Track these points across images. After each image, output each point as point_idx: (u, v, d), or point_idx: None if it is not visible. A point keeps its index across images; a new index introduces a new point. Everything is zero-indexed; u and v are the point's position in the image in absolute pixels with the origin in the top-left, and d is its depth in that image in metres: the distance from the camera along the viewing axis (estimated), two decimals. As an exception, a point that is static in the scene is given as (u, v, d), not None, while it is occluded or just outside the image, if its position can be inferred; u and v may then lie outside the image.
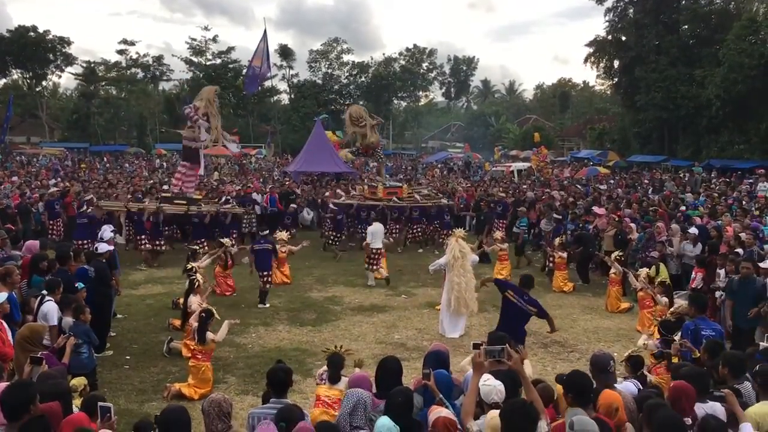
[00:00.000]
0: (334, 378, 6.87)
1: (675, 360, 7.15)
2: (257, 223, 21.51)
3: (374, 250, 15.56)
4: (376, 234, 15.67)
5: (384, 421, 4.43)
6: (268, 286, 13.69)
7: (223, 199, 19.84)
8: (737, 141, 36.63)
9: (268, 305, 13.47)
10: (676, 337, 7.56)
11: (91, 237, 14.49)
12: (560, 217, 18.38)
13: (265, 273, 13.69)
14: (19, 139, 60.49)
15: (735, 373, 5.68)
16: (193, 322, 9.07)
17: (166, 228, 18.38)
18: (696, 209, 18.71)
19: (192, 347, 8.94)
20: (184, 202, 17.83)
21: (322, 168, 29.63)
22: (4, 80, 68.49)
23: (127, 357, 10.20)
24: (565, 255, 15.62)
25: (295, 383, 6.61)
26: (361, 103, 74.66)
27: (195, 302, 10.05)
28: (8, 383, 4.91)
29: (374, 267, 15.58)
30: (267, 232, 15.47)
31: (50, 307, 7.94)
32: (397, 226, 20.10)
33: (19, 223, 16.46)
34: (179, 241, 19.29)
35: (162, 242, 17.59)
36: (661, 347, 7.80)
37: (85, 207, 16.54)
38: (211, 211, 17.98)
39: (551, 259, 16.35)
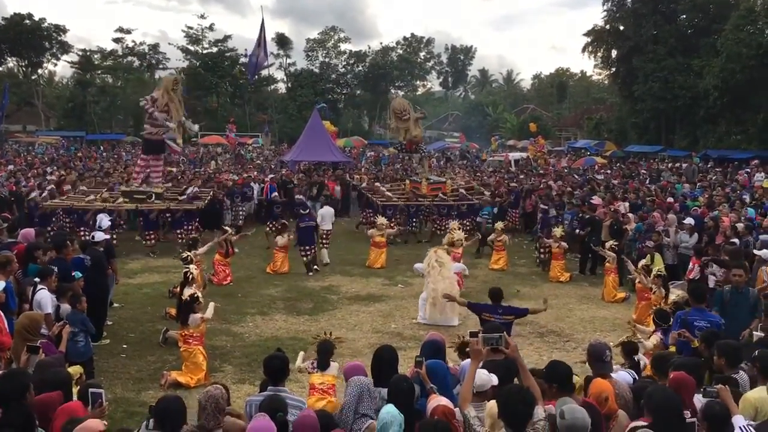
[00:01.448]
0: (323, 364, 6.94)
1: (672, 349, 7.15)
2: (255, 213, 21.55)
3: (325, 232, 16.85)
4: (326, 216, 17.06)
5: (389, 409, 4.45)
6: (309, 256, 15.60)
7: (190, 190, 18.81)
8: (734, 131, 36.69)
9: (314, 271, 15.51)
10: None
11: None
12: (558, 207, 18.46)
13: (308, 247, 15.54)
14: (14, 127, 60.26)
15: (731, 362, 5.70)
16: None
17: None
18: (695, 200, 18.69)
19: (183, 332, 8.93)
20: (143, 195, 17.32)
21: (318, 157, 29.57)
22: (-1, 68, 68.31)
23: (124, 345, 10.22)
24: (564, 245, 15.62)
25: (292, 372, 6.64)
26: (358, 92, 74.74)
27: (188, 293, 10.00)
28: (2, 372, 4.91)
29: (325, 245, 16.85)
30: (307, 210, 16.58)
31: (43, 295, 7.91)
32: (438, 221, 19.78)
33: (15, 211, 16.42)
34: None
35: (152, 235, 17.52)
36: (662, 338, 7.81)
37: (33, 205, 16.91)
38: (159, 207, 17.40)
39: (543, 250, 16.38)
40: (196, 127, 18.54)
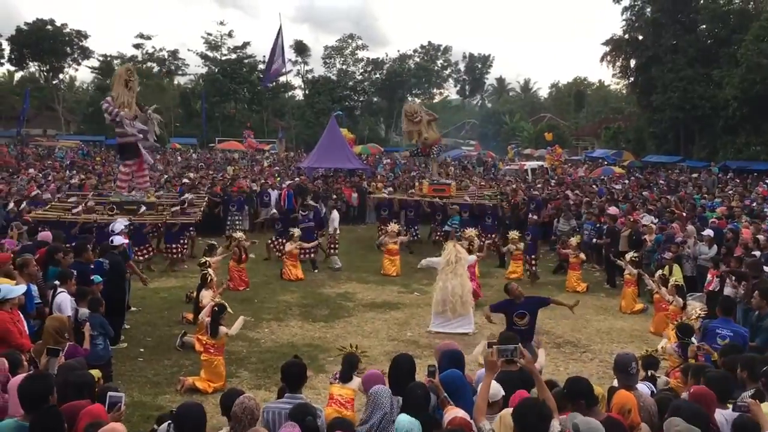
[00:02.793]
0: (345, 377, 6.86)
1: (692, 362, 7.09)
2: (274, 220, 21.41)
3: (331, 236, 17.19)
4: (334, 220, 17.32)
5: (402, 419, 4.42)
6: (312, 255, 16.46)
7: (184, 198, 17.36)
8: (754, 142, 36.27)
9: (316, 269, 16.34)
10: (694, 340, 7.51)
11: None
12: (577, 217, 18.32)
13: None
14: (35, 131, 60.87)
15: (754, 376, 5.64)
16: (206, 317, 9.11)
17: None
18: (713, 211, 18.53)
19: (204, 341, 8.98)
20: (134, 206, 15.47)
21: (335, 164, 29.61)
22: (21, 73, 69.19)
23: (141, 349, 10.28)
24: (580, 256, 15.53)
25: (308, 379, 6.64)
26: (375, 99, 74.86)
27: (207, 297, 10.08)
28: (26, 375, 4.95)
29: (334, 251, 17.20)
30: (307, 212, 17.11)
31: (63, 298, 8.02)
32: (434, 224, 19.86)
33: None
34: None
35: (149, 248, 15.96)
36: (679, 351, 7.75)
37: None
38: (153, 221, 15.78)
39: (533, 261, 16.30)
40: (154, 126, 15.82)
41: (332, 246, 17.27)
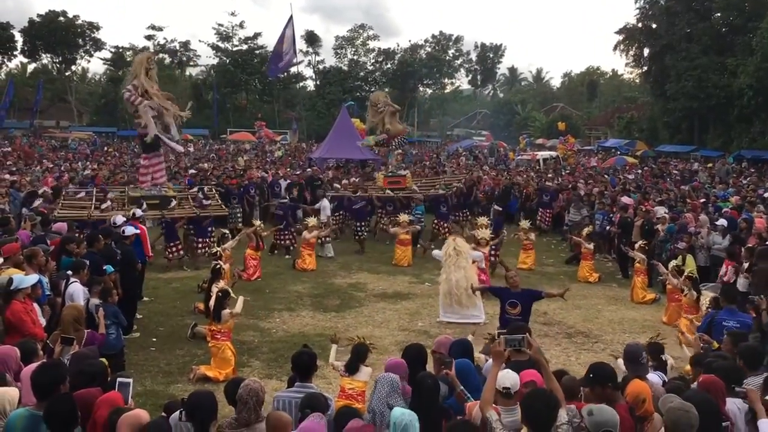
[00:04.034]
0: (352, 368, 6.83)
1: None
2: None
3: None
4: (325, 208, 17.79)
5: (396, 413, 4.39)
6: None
7: (203, 192, 17.02)
8: (769, 131, 35.96)
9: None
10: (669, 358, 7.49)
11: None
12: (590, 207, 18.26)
13: (286, 232, 16.92)
14: (48, 123, 61.32)
15: (751, 365, 5.63)
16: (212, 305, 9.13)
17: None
18: (725, 201, 18.38)
19: (212, 328, 9.00)
20: (157, 201, 15.40)
21: (346, 155, 29.52)
22: (34, 64, 69.69)
23: (154, 339, 10.35)
24: (591, 246, 15.47)
25: (319, 368, 6.65)
26: (386, 90, 74.59)
27: (216, 288, 10.06)
28: (39, 363, 5.00)
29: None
30: (286, 200, 17.80)
31: (76, 288, 8.09)
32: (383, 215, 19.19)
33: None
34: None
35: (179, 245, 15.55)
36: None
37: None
38: (186, 215, 15.67)
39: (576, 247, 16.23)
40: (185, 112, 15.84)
41: (330, 234, 17.56)
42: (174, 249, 15.29)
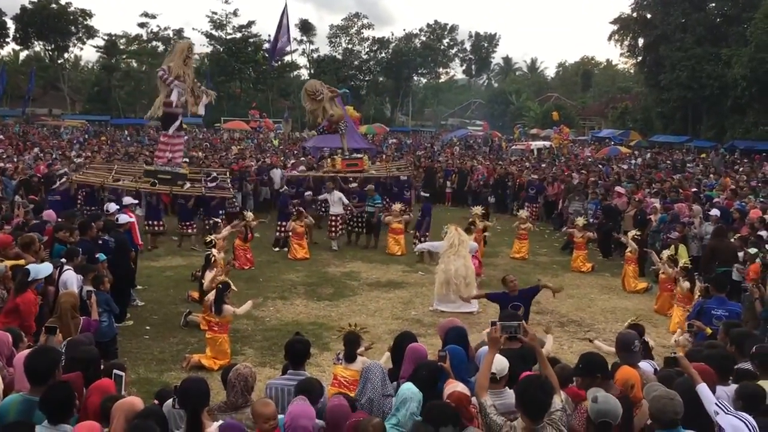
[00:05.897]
0: (349, 357, 6.81)
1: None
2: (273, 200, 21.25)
3: (334, 217, 16.78)
4: (335, 201, 16.76)
5: (409, 386, 4.48)
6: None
7: (211, 176, 17.55)
8: (762, 122, 36.04)
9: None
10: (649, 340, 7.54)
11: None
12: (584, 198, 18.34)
13: (284, 223, 16.11)
14: (40, 110, 60.94)
15: (742, 351, 5.69)
16: (210, 297, 9.11)
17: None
18: (712, 190, 18.49)
19: (209, 319, 9.00)
20: (169, 176, 15.86)
21: (341, 144, 29.47)
22: (26, 52, 69.16)
23: (147, 327, 10.35)
24: (587, 235, 15.52)
25: (312, 357, 6.65)
26: (381, 79, 74.53)
27: (208, 278, 10.05)
28: (33, 349, 5.00)
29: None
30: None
31: (69, 275, 8.04)
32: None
33: (42, 193, 16.54)
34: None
35: (160, 223, 16.11)
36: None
37: (57, 183, 15.95)
38: (196, 193, 16.23)
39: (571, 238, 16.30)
40: (206, 98, 16.18)
41: (333, 229, 16.97)
42: (188, 227, 16.06)
